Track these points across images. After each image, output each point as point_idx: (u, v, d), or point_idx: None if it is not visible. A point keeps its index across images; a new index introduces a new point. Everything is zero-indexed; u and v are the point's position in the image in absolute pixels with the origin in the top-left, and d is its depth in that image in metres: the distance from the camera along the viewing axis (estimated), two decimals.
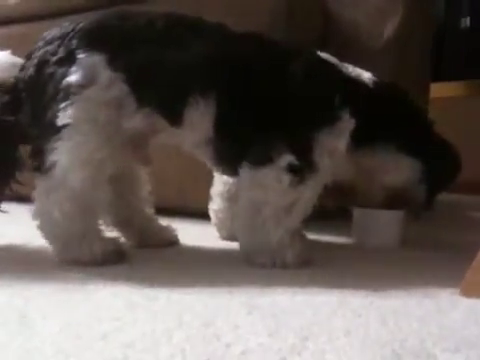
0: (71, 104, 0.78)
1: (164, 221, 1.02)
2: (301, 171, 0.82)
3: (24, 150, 0.87)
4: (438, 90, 1.99)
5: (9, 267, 0.80)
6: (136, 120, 0.83)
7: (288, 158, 0.81)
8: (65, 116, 0.78)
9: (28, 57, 0.85)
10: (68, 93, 0.78)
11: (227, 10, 1.19)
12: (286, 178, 0.81)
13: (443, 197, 1.11)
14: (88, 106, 0.79)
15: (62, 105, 0.78)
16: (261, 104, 0.84)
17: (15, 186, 0.87)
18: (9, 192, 0.88)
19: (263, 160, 0.82)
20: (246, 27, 0.91)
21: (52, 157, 0.78)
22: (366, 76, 0.92)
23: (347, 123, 0.86)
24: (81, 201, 0.79)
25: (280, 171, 0.82)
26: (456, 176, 0.99)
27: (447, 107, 2.07)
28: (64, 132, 0.78)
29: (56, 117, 0.78)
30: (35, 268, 0.78)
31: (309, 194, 0.85)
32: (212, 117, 0.83)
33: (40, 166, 0.80)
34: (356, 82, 0.90)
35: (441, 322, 0.59)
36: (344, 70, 0.90)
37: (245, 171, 0.84)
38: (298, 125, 0.84)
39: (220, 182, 1.03)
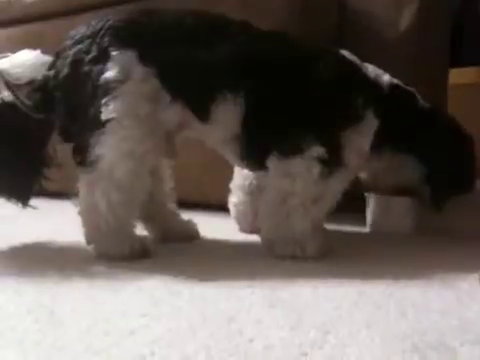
0: (112, 99, 0.80)
1: (184, 215, 1.03)
2: (330, 164, 0.84)
3: (52, 147, 0.89)
4: (458, 76, 1.97)
5: (37, 264, 0.82)
6: (172, 112, 0.85)
7: (319, 150, 0.84)
8: (108, 111, 0.80)
9: (58, 56, 0.86)
10: (108, 89, 0.80)
11: (242, 2, 1.19)
12: (316, 168, 0.84)
13: None
14: (128, 100, 0.81)
15: (103, 101, 0.80)
16: (289, 101, 0.86)
17: (44, 182, 0.90)
18: (38, 188, 0.91)
19: (294, 150, 0.84)
20: (262, 19, 0.92)
21: (96, 151, 0.81)
22: (385, 78, 0.93)
23: (371, 123, 0.88)
24: (126, 192, 0.82)
25: (311, 161, 0.84)
26: (467, 185, 1.01)
27: (468, 93, 2.04)
28: (108, 126, 0.80)
29: (99, 113, 0.80)
30: (62, 265, 0.80)
31: (336, 187, 0.87)
32: (240, 113, 0.85)
33: (83, 160, 0.82)
34: (375, 84, 0.92)
35: (461, 314, 0.60)
36: (364, 71, 0.92)
37: (274, 161, 0.86)
38: (326, 122, 0.86)
39: (240, 175, 1.05)
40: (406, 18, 1.25)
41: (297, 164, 0.84)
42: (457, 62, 1.99)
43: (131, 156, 0.81)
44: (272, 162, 0.86)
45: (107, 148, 0.81)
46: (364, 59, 0.95)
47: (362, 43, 1.25)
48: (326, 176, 0.84)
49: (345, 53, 0.93)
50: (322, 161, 0.84)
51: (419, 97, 0.96)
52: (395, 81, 0.94)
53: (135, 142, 0.81)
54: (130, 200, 0.84)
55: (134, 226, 0.87)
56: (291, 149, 0.84)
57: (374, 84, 0.92)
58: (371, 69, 0.93)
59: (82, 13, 1.45)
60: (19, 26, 1.64)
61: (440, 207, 0.99)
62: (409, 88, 0.96)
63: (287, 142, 0.85)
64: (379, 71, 0.94)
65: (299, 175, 0.84)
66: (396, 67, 1.17)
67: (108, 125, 0.80)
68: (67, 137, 0.86)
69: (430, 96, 1.00)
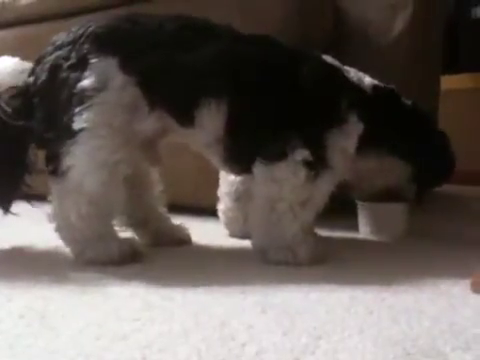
0: (86, 108, 0.79)
1: (177, 219, 1.03)
2: (315, 167, 0.84)
3: (33, 153, 0.89)
4: (454, 82, 1.98)
5: (28, 269, 0.82)
6: (149, 122, 0.84)
7: (303, 153, 0.84)
8: (81, 120, 0.79)
9: (38, 62, 0.86)
10: (83, 97, 0.80)
11: (239, 7, 1.20)
12: (302, 172, 0.83)
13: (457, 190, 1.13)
14: (103, 110, 0.80)
15: (77, 109, 0.80)
16: (272, 104, 0.86)
17: (28, 189, 0.89)
18: (19, 194, 0.90)
19: (278, 155, 0.84)
20: (258, 25, 0.92)
21: (68, 161, 0.80)
22: (366, 81, 0.94)
23: (355, 126, 0.89)
24: (97, 204, 0.81)
25: (296, 165, 0.83)
26: (447, 176, 1.04)
27: (463, 99, 2.05)
28: (80, 136, 0.79)
29: (72, 121, 0.80)
30: (54, 269, 0.80)
31: (323, 190, 0.87)
32: (223, 118, 0.85)
33: (55, 170, 0.82)
34: (358, 87, 0.92)
35: (452, 320, 0.60)
36: (346, 74, 0.93)
37: (259, 167, 0.86)
38: (309, 125, 0.86)
39: (227, 182, 1.05)
40: (400, 23, 1.25)
41: (283, 169, 0.84)
42: (452, 68, 2.00)
43: (103, 167, 0.80)
44: (258, 168, 0.86)
45: (78, 158, 0.80)
46: (358, 63, 0.96)
47: (356, 47, 1.25)
48: (313, 179, 0.84)
49: (327, 57, 0.94)
50: (307, 164, 0.84)
51: (400, 95, 0.97)
52: (376, 82, 0.95)
53: (107, 152, 0.81)
54: (102, 212, 0.83)
55: (115, 232, 0.87)
56: (276, 154, 0.84)
57: (357, 87, 0.92)
58: (353, 72, 0.94)
59: (77, 16, 1.44)
60: (13, 29, 1.63)
61: (423, 201, 1.02)
62: (390, 87, 0.97)
63: (271, 147, 0.85)
64: (360, 74, 0.95)
65: (285, 180, 0.84)
66: (389, 71, 1.18)
67: (80, 135, 0.79)
68: (41, 144, 0.85)
69: (422, 101, 1.01)
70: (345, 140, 0.88)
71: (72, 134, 0.80)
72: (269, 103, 0.86)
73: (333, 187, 0.89)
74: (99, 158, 0.80)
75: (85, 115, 0.79)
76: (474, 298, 0.68)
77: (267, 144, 0.86)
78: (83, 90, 0.80)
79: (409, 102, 0.98)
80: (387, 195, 1.02)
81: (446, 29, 1.63)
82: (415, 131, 0.96)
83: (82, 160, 0.80)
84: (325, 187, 0.87)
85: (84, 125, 0.79)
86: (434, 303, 0.66)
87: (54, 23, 1.51)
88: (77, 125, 0.79)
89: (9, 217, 0.92)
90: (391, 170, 0.99)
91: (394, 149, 0.96)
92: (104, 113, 0.80)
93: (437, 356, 0.50)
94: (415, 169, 0.98)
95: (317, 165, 0.85)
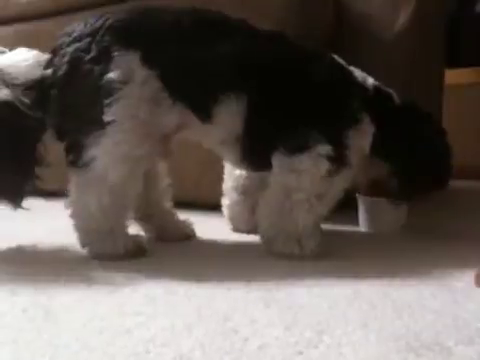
0: (115, 101, 0.79)
1: (181, 214, 1.03)
2: (337, 162, 0.85)
3: (44, 146, 0.88)
4: (456, 77, 1.98)
5: (33, 263, 0.82)
6: (172, 116, 0.85)
7: (326, 148, 0.84)
8: (110, 113, 0.79)
9: (54, 53, 0.85)
10: (110, 90, 0.79)
11: (240, 2, 1.19)
12: (324, 165, 0.84)
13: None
14: (128, 103, 0.80)
15: (106, 101, 0.79)
16: (291, 101, 0.87)
17: (39, 183, 0.89)
18: (30, 188, 0.90)
19: (301, 147, 0.85)
20: (258, 20, 0.92)
21: (91, 152, 0.80)
22: (369, 81, 0.95)
23: (369, 126, 0.90)
24: (118, 195, 0.82)
25: (318, 158, 0.84)
26: (441, 183, 1.01)
27: (465, 93, 2.05)
28: (108, 128, 0.79)
29: (99, 114, 0.79)
30: (58, 264, 0.80)
31: (340, 186, 0.88)
32: (242, 114, 0.85)
33: (76, 160, 0.82)
34: (364, 87, 0.93)
35: (456, 314, 0.60)
36: (354, 74, 0.94)
37: (279, 158, 0.86)
38: (328, 123, 0.87)
39: (232, 177, 1.05)
40: (402, 19, 1.25)
41: (304, 160, 0.84)
42: (454, 63, 2.00)
43: (126, 160, 0.81)
44: (277, 159, 0.87)
45: (103, 150, 0.80)
46: (360, 60, 0.96)
47: (358, 44, 1.25)
48: (332, 174, 0.85)
49: (335, 56, 0.94)
50: (330, 158, 0.84)
51: (395, 97, 0.97)
52: (376, 83, 0.95)
53: (132, 146, 0.81)
54: (122, 203, 0.83)
55: (126, 226, 0.87)
56: (298, 146, 0.85)
57: (363, 87, 0.93)
58: (357, 72, 0.94)
59: (79, 12, 1.44)
60: (15, 25, 1.63)
61: (409, 199, 1.01)
62: (387, 89, 0.97)
63: (294, 139, 0.86)
64: (363, 74, 0.95)
65: (306, 171, 0.84)
66: (392, 68, 1.18)
67: (108, 127, 0.79)
68: (61, 135, 0.85)
69: (426, 96, 1.00)
70: (363, 140, 0.90)
71: (101, 126, 0.79)
72: (288, 100, 0.87)
73: (348, 184, 0.90)
74: (124, 151, 0.80)
75: (114, 107, 0.79)
76: (478, 292, 0.68)
77: (289, 137, 0.86)
78: (110, 82, 0.79)
79: (407, 101, 0.97)
80: (375, 188, 1.03)
81: (448, 23, 1.63)
82: (397, 131, 0.95)
83: (107, 152, 0.80)
84: (341, 184, 0.89)
85: (113, 117, 0.79)
86: (437, 297, 0.66)
87: (56, 20, 1.52)
88: (107, 117, 0.79)
89: (14, 212, 0.93)
90: (369, 167, 0.97)
91: (373, 149, 0.94)
92: (129, 106, 0.80)
93: (440, 350, 0.50)
94: (393, 167, 0.97)
95: (338, 161, 0.86)
